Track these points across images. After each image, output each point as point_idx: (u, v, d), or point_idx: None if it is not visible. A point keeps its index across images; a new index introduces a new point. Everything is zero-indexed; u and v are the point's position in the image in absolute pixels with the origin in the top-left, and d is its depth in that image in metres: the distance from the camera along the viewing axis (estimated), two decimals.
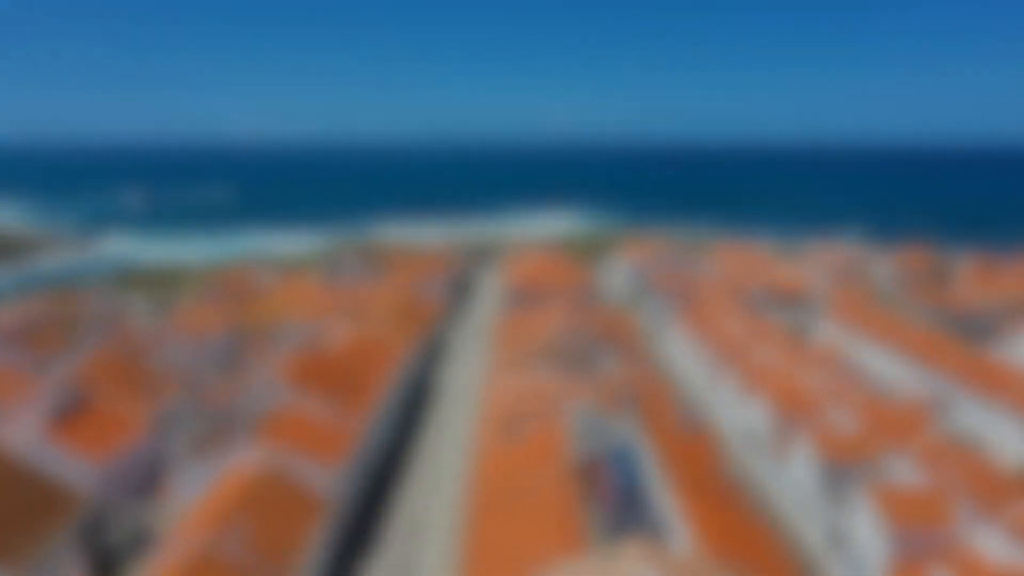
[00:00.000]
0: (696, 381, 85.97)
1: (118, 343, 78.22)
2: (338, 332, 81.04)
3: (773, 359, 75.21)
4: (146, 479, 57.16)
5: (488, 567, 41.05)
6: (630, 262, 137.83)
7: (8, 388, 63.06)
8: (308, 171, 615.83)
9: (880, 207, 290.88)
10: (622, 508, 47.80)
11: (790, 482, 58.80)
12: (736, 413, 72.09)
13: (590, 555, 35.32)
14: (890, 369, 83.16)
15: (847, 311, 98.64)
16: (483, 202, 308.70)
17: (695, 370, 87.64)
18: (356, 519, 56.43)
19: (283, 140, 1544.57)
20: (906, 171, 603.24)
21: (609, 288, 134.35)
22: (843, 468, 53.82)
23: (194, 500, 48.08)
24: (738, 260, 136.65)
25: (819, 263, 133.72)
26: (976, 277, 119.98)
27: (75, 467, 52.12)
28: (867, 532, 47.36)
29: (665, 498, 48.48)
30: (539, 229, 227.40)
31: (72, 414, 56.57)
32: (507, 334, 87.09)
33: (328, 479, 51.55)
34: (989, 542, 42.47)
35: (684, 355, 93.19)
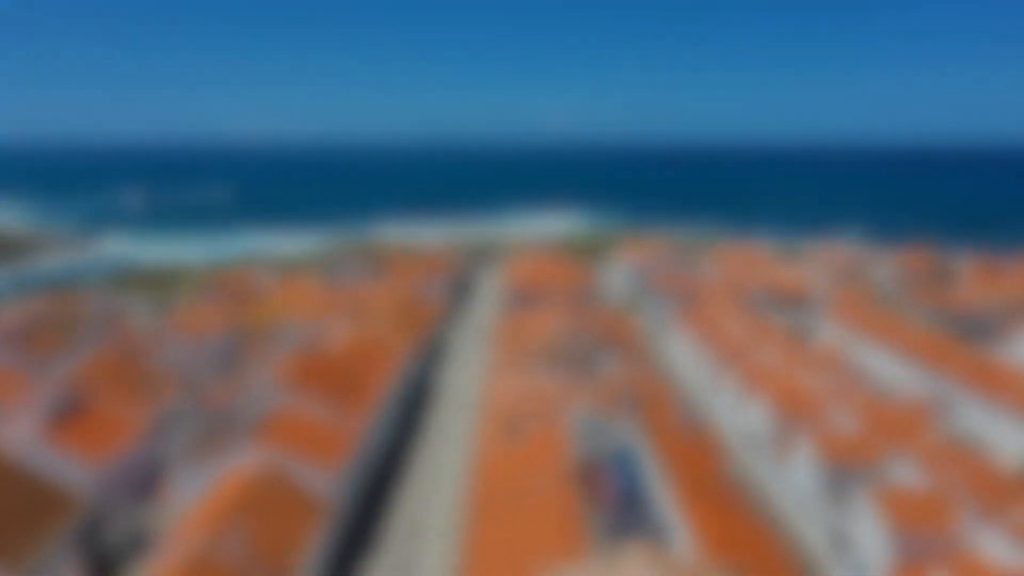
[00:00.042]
0: (696, 382, 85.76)
1: (117, 343, 78.01)
2: (337, 332, 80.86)
3: (774, 360, 75.00)
4: (144, 480, 56.92)
5: (488, 569, 40.84)
6: (630, 262, 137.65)
7: (6, 389, 62.83)
8: (307, 171, 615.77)
9: (880, 207, 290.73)
10: (622, 510, 47.61)
11: (791, 483, 58.59)
12: (736, 414, 71.88)
13: (591, 558, 35.13)
14: (891, 370, 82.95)
15: (848, 312, 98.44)
16: (483, 202, 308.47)
17: (695, 371, 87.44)
18: (355, 521, 56.21)
19: (282, 140, 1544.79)
20: (906, 171, 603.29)
21: (609, 288, 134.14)
22: (844, 469, 53.61)
23: (192, 502, 47.88)
24: (738, 260, 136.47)
25: (820, 263, 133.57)
26: (977, 277, 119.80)
27: (73, 468, 51.85)
28: (868, 534, 47.14)
29: (665, 500, 48.29)
30: (539, 229, 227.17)
31: (70, 415, 56.34)
32: (507, 335, 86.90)
33: (327, 480, 51.34)
34: (991, 544, 42.27)
35: (684, 356, 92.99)
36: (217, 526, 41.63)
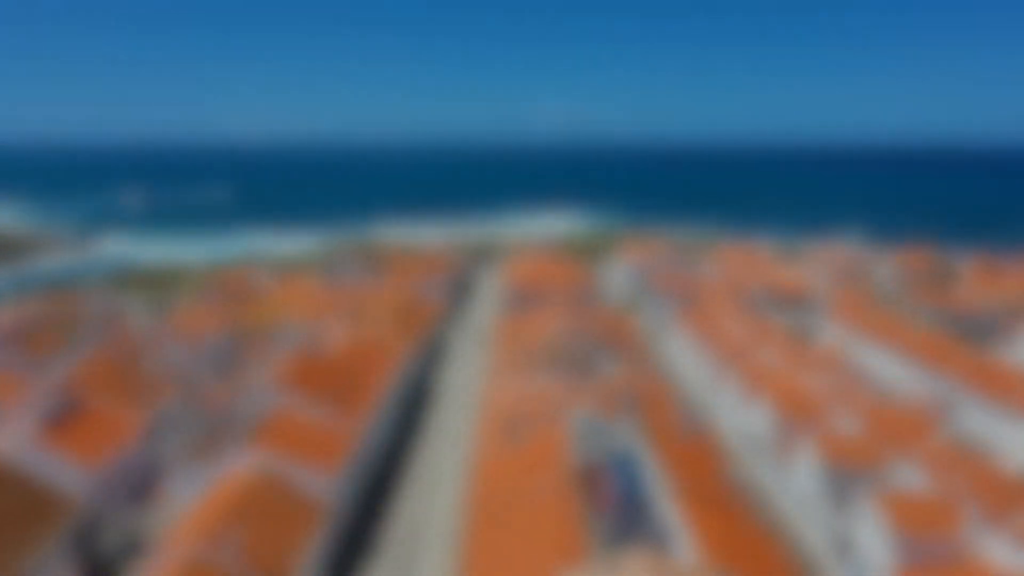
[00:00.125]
0: (697, 383, 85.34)
1: (114, 345, 77.66)
2: (337, 333, 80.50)
3: (774, 360, 74.61)
4: (140, 484, 56.52)
5: (487, 573, 40.47)
6: (630, 262, 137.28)
7: (4, 390, 62.42)
8: (307, 171, 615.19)
9: (881, 207, 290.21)
10: (623, 514, 47.24)
11: (793, 487, 58.19)
12: (738, 416, 71.47)
13: (591, 563, 34.75)
14: (892, 370, 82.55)
15: (849, 312, 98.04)
16: (483, 202, 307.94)
17: (696, 372, 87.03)
18: (354, 524, 55.82)
19: (282, 140, 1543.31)
20: (906, 171, 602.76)
21: (609, 289, 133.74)
22: (847, 472, 53.21)
23: (189, 505, 47.50)
24: (739, 261, 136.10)
25: (820, 264, 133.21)
26: (978, 278, 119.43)
27: (68, 472, 51.45)
28: (872, 538, 46.74)
29: (667, 504, 47.89)
30: (539, 229, 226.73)
31: (66, 418, 55.94)
32: (507, 335, 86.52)
33: (325, 484, 50.96)
34: (995, 549, 41.88)
35: (685, 357, 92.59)
36: (213, 530, 41.26)
